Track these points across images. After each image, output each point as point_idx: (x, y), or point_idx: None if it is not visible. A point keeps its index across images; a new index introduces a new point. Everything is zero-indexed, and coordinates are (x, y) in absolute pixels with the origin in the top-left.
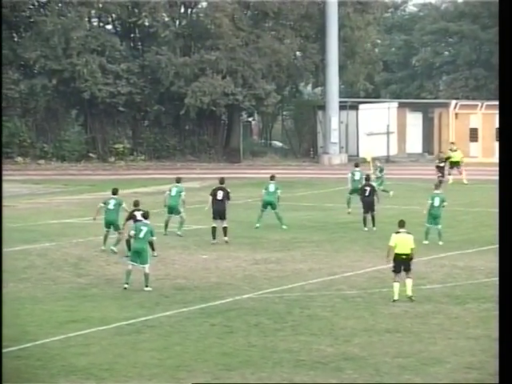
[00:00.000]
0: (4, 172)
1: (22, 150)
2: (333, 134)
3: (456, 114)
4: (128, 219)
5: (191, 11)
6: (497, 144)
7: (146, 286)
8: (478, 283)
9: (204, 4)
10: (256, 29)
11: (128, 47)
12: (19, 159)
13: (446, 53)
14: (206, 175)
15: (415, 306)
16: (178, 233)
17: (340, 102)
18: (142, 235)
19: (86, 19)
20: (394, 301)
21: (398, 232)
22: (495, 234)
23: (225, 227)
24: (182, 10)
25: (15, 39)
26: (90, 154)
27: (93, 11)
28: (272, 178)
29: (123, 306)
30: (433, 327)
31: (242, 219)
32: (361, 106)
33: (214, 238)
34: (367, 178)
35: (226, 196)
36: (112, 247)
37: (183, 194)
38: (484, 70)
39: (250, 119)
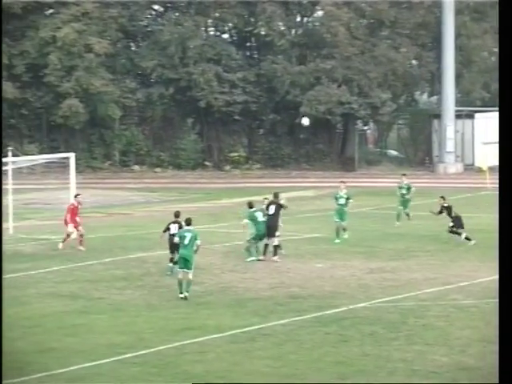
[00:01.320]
0: (121, 180)
1: (138, 159)
2: (448, 143)
3: None
4: (165, 231)
5: (307, 20)
6: None
7: (187, 292)
8: None
9: (320, 13)
10: (372, 37)
11: (244, 56)
12: (136, 167)
13: None
14: (320, 184)
15: None
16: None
17: (456, 110)
18: (186, 242)
19: (203, 28)
20: None
21: None
22: None
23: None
24: (298, 19)
25: (132, 48)
26: (206, 163)
27: (209, 20)
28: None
29: (238, 314)
30: None
31: (357, 228)
32: (477, 115)
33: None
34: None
35: (278, 210)
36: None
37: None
38: None
39: (366, 128)
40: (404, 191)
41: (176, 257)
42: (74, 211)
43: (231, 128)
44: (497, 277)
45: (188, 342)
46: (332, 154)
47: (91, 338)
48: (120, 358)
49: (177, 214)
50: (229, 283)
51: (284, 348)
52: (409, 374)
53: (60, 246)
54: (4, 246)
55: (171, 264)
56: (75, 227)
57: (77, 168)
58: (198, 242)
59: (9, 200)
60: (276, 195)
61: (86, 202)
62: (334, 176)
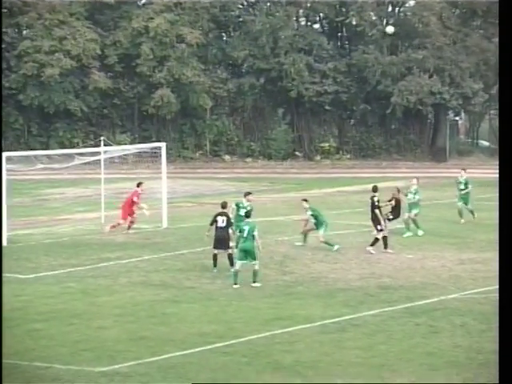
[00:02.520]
0: (212, 170)
1: (229, 149)
2: None
3: None
4: (211, 224)
5: (399, 10)
6: None
7: (254, 282)
8: None
9: (412, 3)
10: (464, 27)
11: (335, 46)
12: (227, 157)
13: None
14: (411, 174)
15: None
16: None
17: None
18: (245, 234)
19: (294, 18)
20: None
21: None
22: None
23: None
24: (390, 9)
25: (224, 38)
26: (296, 153)
27: (301, 10)
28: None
29: (328, 305)
30: None
31: (448, 218)
32: None
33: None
34: None
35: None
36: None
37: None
38: None
39: (457, 118)
40: (462, 186)
41: (234, 251)
42: (131, 202)
43: (322, 118)
44: None
45: (278, 331)
46: (423, 144)
47: (182, 327)
48: (210, 347)
49: (224, 205)
50: (319, 273)
51: (374, 338)
52: None
53: (107, 228)
54: (96, 235)
55: (215, 268)
56: (129, 215)
57: (168, 158)
58: (255, 233)
59: (101, 189)
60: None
61: (177, 191)
62: (425, 167)
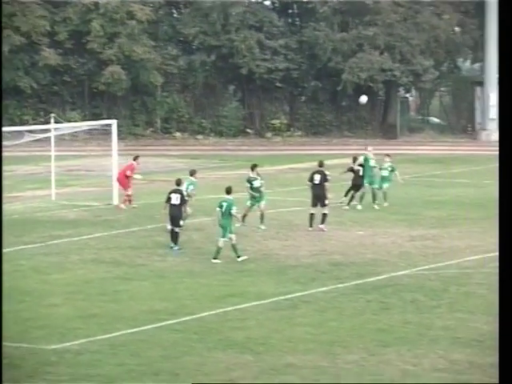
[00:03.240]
0: (162, 147)
1: (180, 126)
2: (491, 110)
3: None
4: (167, 201)
5: None
6: None
7: (238, 257)
8: None
9: None
10: (415, 4)
11: (286, 23)
12: (177, 134)
13: None
14: (362, 151)
15: None
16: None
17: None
18: (223, 210)
19: None
20: None
21: None
22: None
23: (324, 214)
24: None
25: (175, 15)
26: (247, 130)
27: None
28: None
29: (279, 281)
30: None
31: (399, 195)
32: None
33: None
34: None
35: (324, 179)
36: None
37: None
38: None
39: (408, 95)
40: (386, 173)
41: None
42: (125, 176)
43: (273, 95)
44: None
45: (230, 308)
46: (374, 121)
47: (133, 305)
48: (162, 324)
49: (178, 183)
50: (270, 250)
51: (325, 315)
52: (450, 342)
53: (122, 206)
54: (47, 213)
55: (173, 245)
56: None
57: (119, 135)
58: (233, 210)
59: (51, 167)
60: (321, 164)
61: None
62: (376, 144)
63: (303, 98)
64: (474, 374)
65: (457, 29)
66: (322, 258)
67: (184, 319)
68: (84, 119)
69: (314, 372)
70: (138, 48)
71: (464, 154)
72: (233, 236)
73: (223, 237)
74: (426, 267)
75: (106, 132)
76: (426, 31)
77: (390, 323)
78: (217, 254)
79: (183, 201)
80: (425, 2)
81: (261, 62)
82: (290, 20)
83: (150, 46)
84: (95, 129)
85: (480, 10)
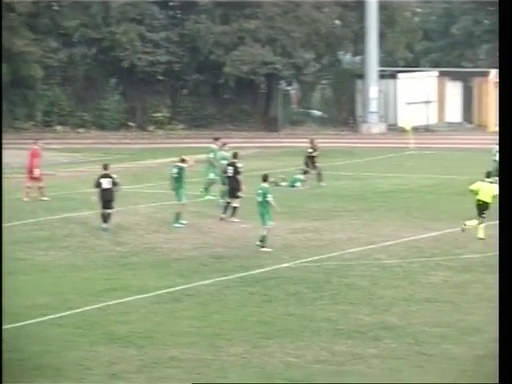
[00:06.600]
0: (44, 141)
1: (61, 119)
2: (372, 103)
3: (496, 83)
4: (96, 187)
5: None
6: None
7: (262, 246)
8: None
9: None
10: None
11: (167, 16)
12: (58, 128)
13: (487, 21)
14: (244, 144)
15: (454, 275)
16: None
17: (379, 70)
18: (260, 198)
19: None
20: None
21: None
22: None
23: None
24: None
25: (54, 8)
26: (129, 123)
27: None
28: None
29: (162, 275)
30: (472, 297)
31: (280, 188)
32: (400, 75)
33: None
34: None
35: (236, 172)
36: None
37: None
38: None
39: (289, 88)
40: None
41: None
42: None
43: (154, 88)
44: (425, 235)
45: (112, 302)
46: (256, 114)
47: (16, 300)
48: (44, 319)
49: (105, 167)
50: (153, 244)
51: (208, 308)
52: (332, 334)
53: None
54: None
55: (105, 225)
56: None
57: None
58: (269, 198)
59: None
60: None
61: (8, 162)
62: (258, 136)
63: (185, 91)
64: (356, 365)
65: (337, 22)
66: (204, 251)
67: (66, 313)
68: None
69: (197, 365)
70: (17, 41)
71: (345, 147)
72: (271, 224)
73: (264, 224)
74: (309, 259)
75: None
76: (306, 24)
77: (272, 315)
78: (264, 242)
79: (115, 184)
80: None
81: (142, 55)
82: (171, 13)
83: (30, 38)
84: None
85: (360, 2)
